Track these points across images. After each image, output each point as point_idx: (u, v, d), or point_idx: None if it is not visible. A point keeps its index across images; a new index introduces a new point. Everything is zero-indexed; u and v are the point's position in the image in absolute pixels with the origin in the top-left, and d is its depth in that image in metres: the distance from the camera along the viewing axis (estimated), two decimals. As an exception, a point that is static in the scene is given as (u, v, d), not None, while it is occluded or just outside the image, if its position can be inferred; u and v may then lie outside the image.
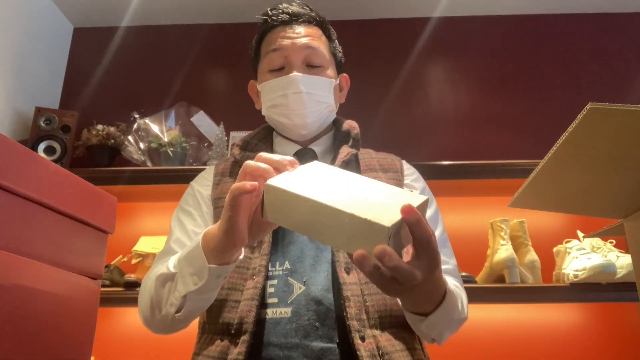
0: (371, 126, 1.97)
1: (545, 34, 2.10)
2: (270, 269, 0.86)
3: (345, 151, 0.99)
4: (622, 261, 1.48)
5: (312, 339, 0.79)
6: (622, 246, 1.58)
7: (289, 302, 0.82)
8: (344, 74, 1.11)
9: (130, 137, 1.83)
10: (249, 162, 0.64)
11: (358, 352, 0.76)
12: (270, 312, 0.82)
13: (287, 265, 0.86)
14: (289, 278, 0.84)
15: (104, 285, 1.55)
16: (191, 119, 1.86)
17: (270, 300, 0.83)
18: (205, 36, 2.16)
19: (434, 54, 2.10)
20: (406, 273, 0.53)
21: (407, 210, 0.52)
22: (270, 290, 0.84)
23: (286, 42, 0.99)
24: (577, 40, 2.09)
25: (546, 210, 0.83)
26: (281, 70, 1.00)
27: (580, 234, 1.60)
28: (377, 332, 0.81)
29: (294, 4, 1.04)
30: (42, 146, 1.77)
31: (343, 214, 0.53)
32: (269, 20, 1.03)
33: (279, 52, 0.99)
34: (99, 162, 1.82)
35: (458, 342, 1.70)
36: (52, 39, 2.09)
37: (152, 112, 1.89)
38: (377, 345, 0.79)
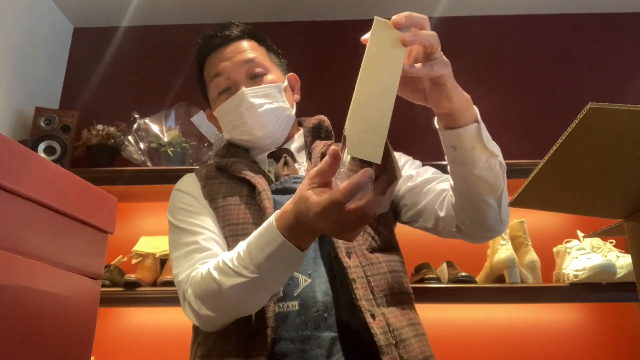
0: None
1: (545, 34, 2.10)
2: None
3: (320, 144, 1.02)
4: (622, 261, 1.48)
5: (323, 329, 0.81)
6: (622, 246, 1.58)
7: (295, 295, 0.83)
8: (291, 73, 1.13)
9: (130, 137, 1.83)
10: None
11: (372, 330, 0.79)
12: (277, 307, 0.83)
13: None
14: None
15: (104, 285, 1.55)
16: (191, 119, 1.86)
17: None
18: (205, 36, 2.16)
19: (434, 54, 2.10)
20: (426, 37, 0.67)
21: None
22: None
23: (225, 63, 1.03)
24: (577, 40, 2.09)
25: (546, 210, 0.83)
26: (230, 91, 1.03)
27: (580, 234, 1.60)
28: (385, 310, 0.84)
29: (224, 25, 1.07)
30: (42, 146, 1.77)
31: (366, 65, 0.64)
32: (204, 48, 1.07)
33: (222, 75, 1.03)
34: (99, 162, 1.82)
35: (458, 342, 1.70)
36: (52, 39, 2.09)
37: (152, 112, 1.89)
38: (386, 322, 0.82)
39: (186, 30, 2.18)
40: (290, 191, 0.94)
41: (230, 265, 0.78)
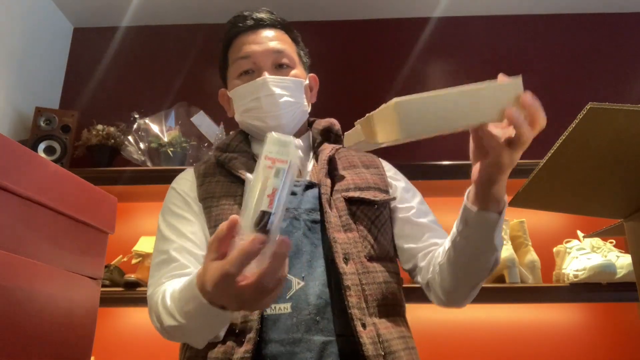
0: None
1: (545, 34, 2.10)
2: None
3: (328, 147, 1.01)
4: (622, 261, 1.48)
5: (314, 333, 0.80)
6: (622, 246, 1.58)
7: (287, 297, 0.82)
8: (312, 74, 1.12)
9: (130, 137, 1.83)
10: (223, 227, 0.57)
11: (361, 340, 0.78)
12: (269, 309, 0.82)
13: None
14: None
15: (104, 285, 1.55)
16: (191, 119, 1.86)
17: None
18: (205, 36, 2.16)
19: (434, 54, 2.10)
20: (527, 133, 0.62)
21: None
22: None
23: (254, 47, 1.01)
24: (577, 40, 2.09)
25: (546, 210, 0.83)
26: (251, 75, 1.01)
27: (580, 234, 1.60)
28: (376, 320, 0.83)
29: (258, 10, 1.06)
30: (42, 146, 1.77)
31: (479, 88, 0.63)
32: (234, 27, 1.05)
33: (247, 60, 1.01)
34: (99, 162, 1.82)
35: (458, 342, 1.70)
36: (52, 39, 2.09)
37: (152, 112, 1.89)
38: (377, 332, 0.81)
39: (186, 30, 2.18)
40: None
41: (169, 303, 0.77)
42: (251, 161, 1.01)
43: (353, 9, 2.11)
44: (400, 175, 1.08)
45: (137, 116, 1.86)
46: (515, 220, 1.67)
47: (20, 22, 1.88)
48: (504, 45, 2.10)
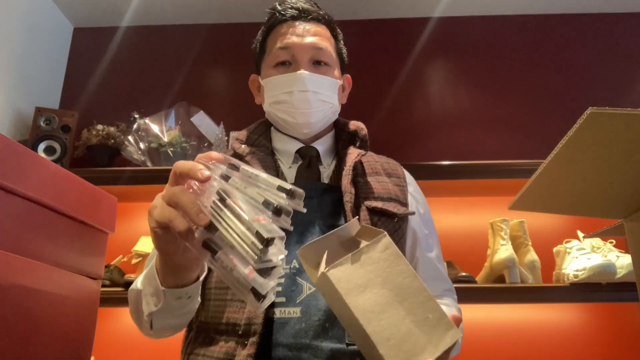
0: (371, 126, 1.96)
1: (545, 34, 2.10)
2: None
3: (354, 152, 0.99)
4: (622, 261, 1.48)
5: (322, 339, 0.78)
6: (622, 246, 1.58)
7: (297, 301, 0.81)
8: (347, 75, 1.10)
9: (130, 137, 1.83)
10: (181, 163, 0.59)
11: None
12: (278, 312, 0.81)
13: (294, 264, 0.84)
14: (297, 277, 0.83)
15: (104, 285, 1.55)
16: (191, 119, 1.86)
17: (277, 300, 0.82)
18: (205, 36, 2.16)
19: (434, 54, 2.10)
20: None
21: None
22: (277, 289, 0.83)
23: (295, 39, 0.98)
24: (577, 40, 2.09)
25: (546, 212, 0.83)
26: (287, 66, 0.99)
27: (580, 234, 1.60)
28: None
29: (302, 0, 1.03)
30: (42, 146, 1.77)
31: (375, 346, 0.58)
32: (277, 15, 1.01)
33: (286, 50, 0.98)
34: (99, 162, 1.82)
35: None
36: (52, 39, 2.09)
37: (152, 112, 1.89)
38: None
39: (186, 30, 2.18)
40: None
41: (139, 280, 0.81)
42: (269, 157, 0.99)
43: (353, 9, 2.11)
44: (420, 194, 1.06)
45: (137, 116, 1.86)
46: (515, 220, 1.68)
47: (20, 22, 1.88)
48: (504, 45, 2.10)
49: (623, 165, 0.60)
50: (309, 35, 0.99)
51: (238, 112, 1.99)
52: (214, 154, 0.60)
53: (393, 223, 0.93)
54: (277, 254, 0.54)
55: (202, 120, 1.86)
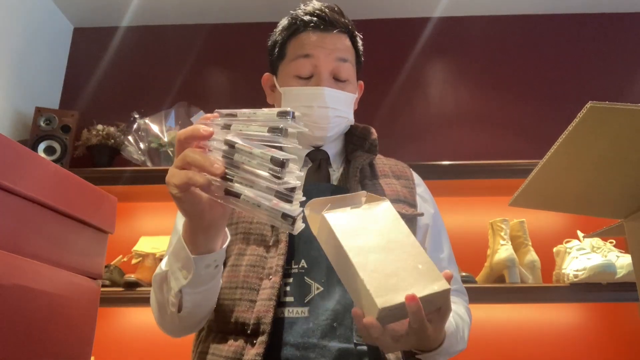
0: (371, 126, 1.97)
1: (545, 34, 2.10)
2: (285, 267, 0.85)
3: (362, 156, 1.00)
4: (622, 261, 1.48)
5: (330, 339, 0.79)
6: (622, 246, 1.58)
7: (305, 301, 0.81)
8: (361, 82, 1.11)
9: (130, 137, 1.83)
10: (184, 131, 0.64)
11: (380, 349, 0.77)
12: (286, 312, 0.81)
13: (303, 264, 0.85)
14: (305, 277, 0.84)
15: (104, 285, 1.55)
16: (191, 119, 1.86)
17: (286, 299, 0.82)
18: (205, 36, 2.16)
19: (434, 54, 2.10)
20: (388, 345, 0.62)
21: (410, 298, 0.57)
22: (286, 289, 0.83)
23: (319, 50, 0.97)
24: (577, 40, 2.09)
25: (546, 209, 0.83)
26: (307, 80, 0.98)
27: (580, 234, 1.60)
28: None
29: (330, 7, 1.02)
30: (42, 146, 1.77)
31: (357, 274, 0.59)
32: (301, 22, 0.99)
33: (310, 60, 0.97)
34: (99, 162, 1.82)
35: (458, 342, 1.70)
36: (52, 39, 2.09)
37: (152, 112, 1.89)
38: None
39: (186, 30, 2.18)
40: (311, 197, 0.92)
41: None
42: None
43: (353, 8, 2.11)
44: (429, 195, 1.06)
45: (137, 116, 1.86)
46: (515, 220, 1.68)
47: (20, 22, 1.88)
48: (504, 45, 2.10)
49: (623, 163, 0.60)
50: (334, 47, 0.98)
51: (238, 112, 1.99)
52: (208, 114, 0.64)
53: None
54: (293, 175, 0.59)
55: (202, 121, 1.86)
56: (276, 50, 1.04)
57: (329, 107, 0.96)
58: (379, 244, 0.63)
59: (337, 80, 0.99)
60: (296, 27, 1.00)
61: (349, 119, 1.03)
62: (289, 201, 0.57)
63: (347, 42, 1.02)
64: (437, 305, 0.63)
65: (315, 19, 0.99)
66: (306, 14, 1.00)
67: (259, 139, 0.59)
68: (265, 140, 0.58)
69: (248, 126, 0.60)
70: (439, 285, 0.60)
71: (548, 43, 2.09)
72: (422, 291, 0.58)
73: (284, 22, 1.03)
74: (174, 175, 0.62)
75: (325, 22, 0.99)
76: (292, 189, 0.58)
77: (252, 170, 0.58)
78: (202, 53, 2.15)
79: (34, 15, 1.96)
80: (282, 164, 0.56)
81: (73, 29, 2.21)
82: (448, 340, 0.76)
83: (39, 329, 0.72)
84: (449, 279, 0.63)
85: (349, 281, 0.62)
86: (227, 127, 0.61)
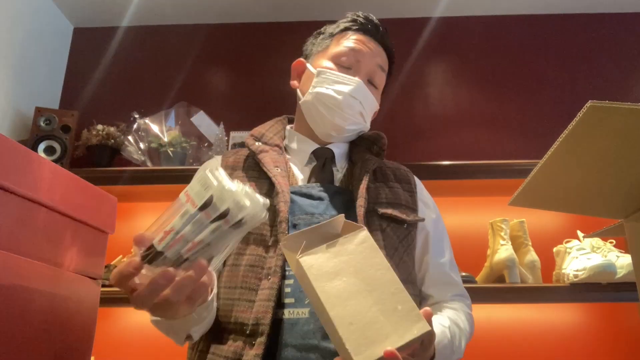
0: (371, 126, 1.97)
1: (545, 34, 2.10)
2: (286, 268, 0.85)
3: (372, 160, 1.01)
4: (622, 261, 1.48)
5: (330, 340, 0.78)
6: (622, 246, 1.58)
7: (306, 302, 0.81)
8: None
9: (130, 137, 1.83)
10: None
11: None
12: (287, 313, 0.81)
13: None
14: None
15: (104, 285, 1.55)
16: (191, 119, 1.86)
17: (286, 301, 0.82)
18: (205, 36, 2.16)
19: (434, 54, 2.10)
20: None
21: (388, 354, 0.57)
22: (286, 290, 0.83)
23: (365, 49, 1.04)
24: (576, 40, 2.09)
25: (546, 209, 0.83)
26: (347, 69, 1.03)
27: (580, 234, 1.60)
28: None
29: (383, 25, 1.10)
30: (42, 146, 1.77)
31: (336, 330, 0.59)
32: (357, 24, 1.07)
33: (355, 54, 1.03)
34: (99, 162, 1.82)
35: (458, 342, 1.70)
36: (52, 39, 2.09)
37: (152, 112, 1.89)
38: None
39: (186, 30, 2.18)
40: (312, 197, 0.92)
41: None
42: (281, 157, 1.00)
43: (352, 8, 2.10)
44: (431, 200, 1.07)
45: (137, 116, 1.86)
46: (515, 220, 1.67)
47: (20, 22, 1.88)
48: (504, 45, 2.10)
49: (623, 162, 0.60)
50: (377, 55, 1.05)
51: (238, 112, 1.99)
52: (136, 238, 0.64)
53: (402, 229, 0.94)
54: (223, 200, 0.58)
55: (202, 121, 1.86)
56: (321, 36, 1.10)
57: (357, 99, 1.00)
58: (357, 287, 0.63)
59: (371, 83, 1.05)
60: (348, 25, 1.08)
61: (366, 125, 1.06)
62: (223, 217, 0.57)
63: (387, 60, 1.10)
64: (419, 340, 0.63)
65: (370, 26, 1.07)
66: (364, 18, 1.08)
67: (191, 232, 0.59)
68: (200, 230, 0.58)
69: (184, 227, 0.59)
70: (418, 329, 0.61)
71: (548, 43, 2.09)
72: (400, 340, 0.59)
73: (340, 20, 1.10)
74: (132, 302, 0.63)
75: (378, 32, 1.07)
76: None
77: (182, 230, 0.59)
78: (202, 53, 2.15)
79: (34, 15, 1.96)
80: (202, 206, 0.57)
81: (73, 29, 2.21)
82: (440, 355, 0.76)
83: (39, 329, 0.71)
84: (429, 317, 0.63)
85: (328, 327, 0.62)
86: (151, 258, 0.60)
